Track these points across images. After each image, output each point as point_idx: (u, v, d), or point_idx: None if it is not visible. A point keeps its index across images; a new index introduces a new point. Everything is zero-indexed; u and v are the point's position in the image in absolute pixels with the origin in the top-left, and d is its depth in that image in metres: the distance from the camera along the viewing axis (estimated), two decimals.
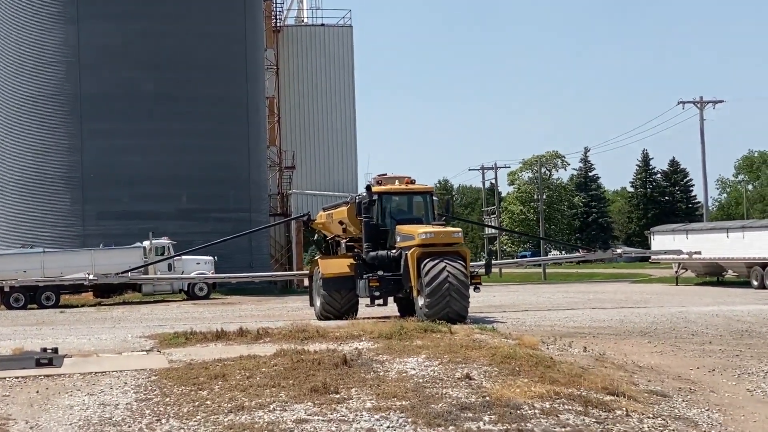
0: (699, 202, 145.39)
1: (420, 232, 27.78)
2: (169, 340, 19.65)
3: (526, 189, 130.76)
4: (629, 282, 64.12)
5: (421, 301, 27.01)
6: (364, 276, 28.89)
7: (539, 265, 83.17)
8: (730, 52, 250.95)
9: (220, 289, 54.77)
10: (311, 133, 75.85)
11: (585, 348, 17.80)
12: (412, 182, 30.86)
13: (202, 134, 60.15)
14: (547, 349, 17.29)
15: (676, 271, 55.71)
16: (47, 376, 14.96)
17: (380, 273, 28.62)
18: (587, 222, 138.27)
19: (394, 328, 18.95)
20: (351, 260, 30.45)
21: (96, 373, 15.10)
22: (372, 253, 29.37)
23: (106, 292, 51.28)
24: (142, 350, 18.37)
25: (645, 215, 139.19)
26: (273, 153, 71.96)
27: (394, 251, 28.91)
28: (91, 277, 40.97)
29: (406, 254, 27.61)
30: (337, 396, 12.13)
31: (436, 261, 26.75)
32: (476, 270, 29.33)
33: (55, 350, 17.00)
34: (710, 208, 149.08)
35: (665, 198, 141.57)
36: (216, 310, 41.33)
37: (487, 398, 11.66)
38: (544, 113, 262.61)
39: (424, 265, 26.83)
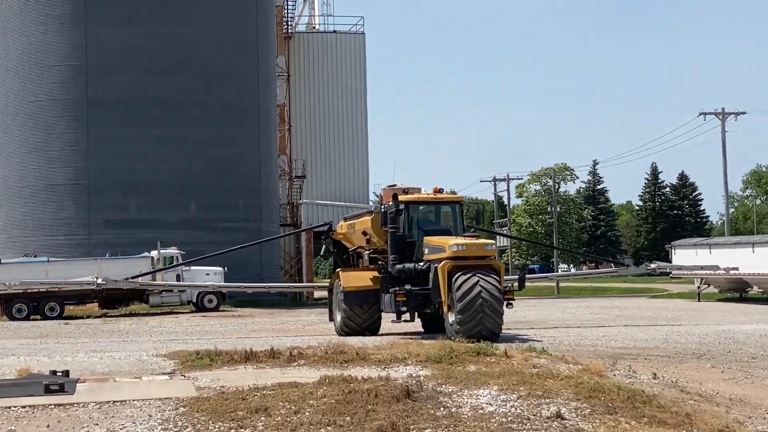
0: (708, 216, 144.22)
1: (451, 244, 26.26)
2: (192, 361, 17.73)
3: (534, 201, 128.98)
4: (647, 297, 62.42)
5: (451, 318, 25.46)
6: (390, 290, 27.28)
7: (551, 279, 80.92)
8: (743, 64, 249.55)
9: (230, 301, 53.10)
10: (322, 141, 74.37)
11: (654, 375, 16.02)
12: (440, 191, 29.31)
13: (212, 141, 58.56)
14: (613, 375, 15.52)
15: (698, 287, 53.95)
16: (59, 405, 13.07)
17: (407, 287, 27.02)
18: (595, 235, 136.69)
19: (443, 350, 17.07)
20: (374, 273, 29.05)
21: (114, 402, 13.16)
22: (398, 266, 27.84)
23: (112, 303, 49.73)
24: (163, 373, 16.47)
25: (654, 229, 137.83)
26: (283, 162, 70.36)
27: (421, 264, 27.36)
28: (99, 281, 39.26)
29: (436, 267, 26.07)
30: None
31: (469, 275, 25.24)
32: (509, 284, 27.61)
33: (66, 373, 15.14)
34: (717, 223, 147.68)
35: (674, 212, 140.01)
36: (227, 323, 39.68)
37: None
38: (553, 125, 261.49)
39: (456, 279, 25.32)
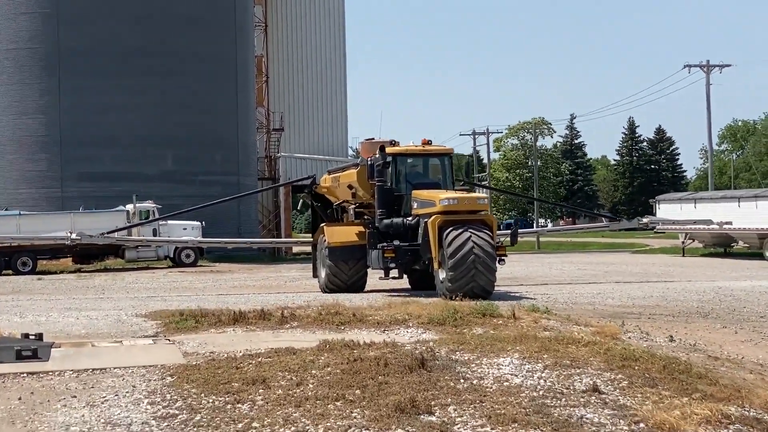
0: (685, 171, 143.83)
1: (442, 198, 25.20)
2: (176, 323, 16.44)
3: (512, 156, 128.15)
4: (630, 252, 61.83)
5: (442, 275, 24.46)
6: (378, 246, 26.20)
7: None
8: (722, 17, 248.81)
9: (208, 256, 52.02)
10: (300, 94, 72.97)
11: (671, 338, 15.01)
12: (429, 143, 28.13)
13: (188, 92, 57.13)
14: (628, 338, 14.49)
15: (683, 242, 53.27)
16: (32, 373, 11.87)
17: (396, 243, 25.94)
18: (572, 190, 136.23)
19: (446, 311, 15.91)
20: (360, 228, 28.06)
21: (93, 370, 11.97)
22: (386, 221, 26.77)
23: (87, 257, 48.49)
24: (146, 336, 15.24)
25: (631, 184, 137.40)
26: (261, 114, 68.90)
27: (410, 219, 26.28)
28: (73, 236, 37.81)
29: (426, 222, 25.00)
30: (434, 418, 9.14)
31: (460, 230, 24.20)
32: (500, 240, 26.54)
33: (40, 336, 13.90)
34: (691, 178, 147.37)
35: (651, 167, 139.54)
36: (206, 278, 38.61)
37: (642, 426, 8.81)
38: (531, 80, 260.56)
39: (447, 234, 24.26)
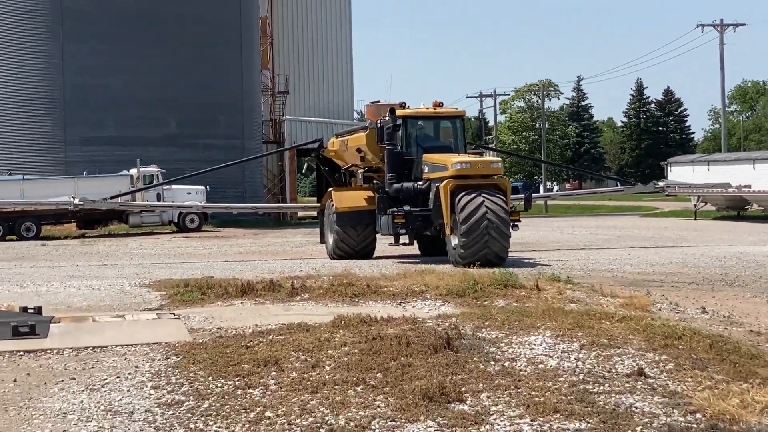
0: (693, 133, 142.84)
1: (454, 161, 24.53)
2: (181, 294, 15.68)
3: (518, 118, 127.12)
4: (639, 216, 60.95)
5: (454, 241, 23.81)
6: (388, 211, 25.51)
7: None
8: None
9: (212, 220, 51.32)
10: (305, 56, 71.97)
11: (703, 309, 14.24)
12: (440, 105, 27.38)
13: (193, 55, 56.12)
14: (658, 309, 13.73)
15: (695, 205, 52.46)
16: (29, 352, 11.13)
17: (406, 208, 25.24)
18: (579, 153, 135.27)
19: (465, 282, 15.11)
20: (369, 193, 27.38)
21: (94, 348, 11.24)
22: (396, 185, 26.04)
23: (91, 223, 47.88)
24: (149, 309, 14.50)
25: (638, 146, 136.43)
26: (265, 77, 67.92)
27: (421, 183, 25.57)
28: (76, 201, 37.09)
29: (438, 187, 24.34)
30: (466, 407, 8.29)
31: (473, 195, 23.53)
32: (514, 205, 25.86)
33: (39, 310, 13.19)
34: (699, 140, 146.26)
35: (659, 128, 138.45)
36: (211, 244, 37.94)
37: (699, 416, 8.00)
38: (538, 42, 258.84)
39: (459, 199, 23.59)
